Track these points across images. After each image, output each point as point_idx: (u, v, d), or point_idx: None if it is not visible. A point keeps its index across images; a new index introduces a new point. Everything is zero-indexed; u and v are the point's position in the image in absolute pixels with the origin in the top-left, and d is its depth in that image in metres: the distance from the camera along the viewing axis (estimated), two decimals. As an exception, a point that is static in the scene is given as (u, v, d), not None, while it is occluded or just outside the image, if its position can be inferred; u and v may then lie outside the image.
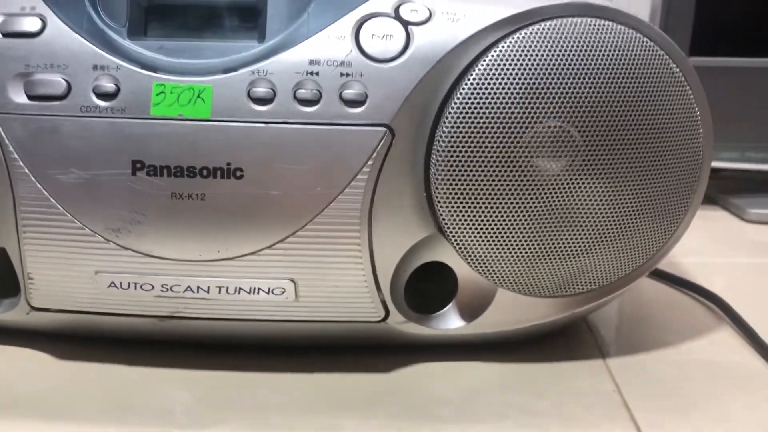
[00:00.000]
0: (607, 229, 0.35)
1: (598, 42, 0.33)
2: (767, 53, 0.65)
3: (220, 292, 0.33)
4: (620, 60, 0.33)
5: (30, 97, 0.32)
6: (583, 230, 0.34)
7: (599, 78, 0.32)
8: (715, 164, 0.69)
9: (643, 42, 0.33)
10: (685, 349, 0.40)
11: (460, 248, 0.34)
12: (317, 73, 0.31)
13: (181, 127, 0.31)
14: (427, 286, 0.36)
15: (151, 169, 0.31)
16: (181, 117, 0.31)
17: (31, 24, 0.32)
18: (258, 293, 0.33)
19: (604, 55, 0.33)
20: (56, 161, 0.32)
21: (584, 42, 0.32)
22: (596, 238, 0.35)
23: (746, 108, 0.66)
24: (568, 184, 0.33)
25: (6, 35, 0.32)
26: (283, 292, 0.33)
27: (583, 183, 0.33)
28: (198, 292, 0.33)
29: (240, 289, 0.33)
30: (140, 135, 0.31)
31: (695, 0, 0.65)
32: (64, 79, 0.31)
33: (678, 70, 0.34)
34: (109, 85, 0.31)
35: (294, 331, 0.35)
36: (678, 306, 0.46)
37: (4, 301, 0.37)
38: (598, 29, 0.33)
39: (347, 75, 0.31)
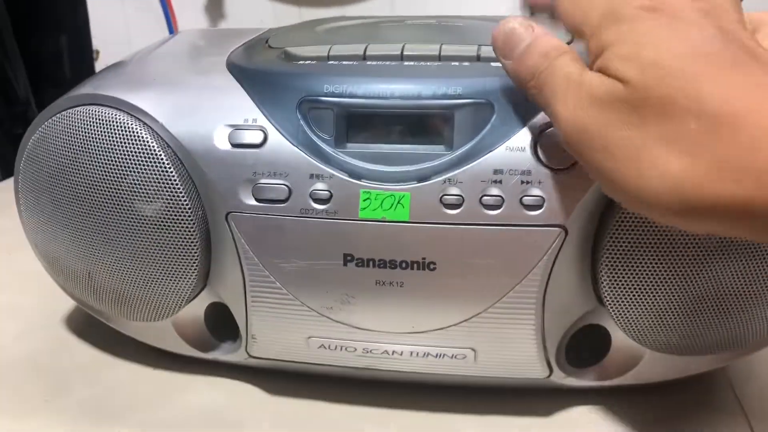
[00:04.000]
0: (753, 293, 0.38)
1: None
2: None
3: (411, 355, 0.40)
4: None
5: (258, 200, 0.38)
6: (731, 296, 0.38)
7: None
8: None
9: None
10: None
11: (618, 320, 0.39)
12: (500, 182, 0.36)
13: (384, 227, 0.37)
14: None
15: (359, 261, 0.37)
16: (384, 219, 0.37)
17: (255, 137, 0.38)
18: (443, 358, 0.40)
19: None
20: (280, 252, 0.38)
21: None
22: (743, 303, 0.38)
23: None
24: (720, 253, 0.37)
25: (235, 146, 0.38)
26: (465, 357, 0.39)
27: (736, 250, 0.37)
28: (392, 354, 0.40)
29: (428, 354, 0.40)
30: (350, 233, 0.37)
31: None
32: (286, 186, 0.37)
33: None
34: (324, 192, 0.37)
35: (471, 382, 0.42)
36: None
37: (223, 345, 0.45)
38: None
39: (527, 183, 0.36)
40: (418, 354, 0.40)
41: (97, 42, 1.03)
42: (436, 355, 0.40)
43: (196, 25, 1.01)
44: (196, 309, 0.43)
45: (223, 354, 0.44)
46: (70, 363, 0.48)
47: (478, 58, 0.39)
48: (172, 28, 0.95)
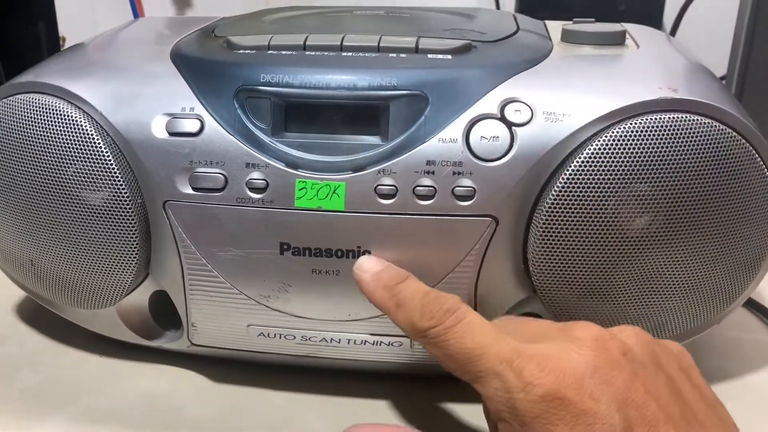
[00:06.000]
0: (685, 285, 0.39)
1: (685, 136, 0.36)
2: None
3: (349, 342, 0.40)
4: (705, 150, 0.36)
5: (194, 188, 0.38)
6: (662, 286, 0.39)
7: (685, 167, 0.36)
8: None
9: (726, 132, 0.37)
10: (750, 381, 0.45)
11: (551, 308, 0.39)
12: (433, 172, 0.36)
13: (320, 216, 0.37)
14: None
15: (295, 250, 0.38)
16: (320, 209, 0.37)
17: (192, 125, 0.38)
18: (380, 345, 0.40)
19: (688, 147, 0.36)
20: (217, 241, 0.38)
21: (672, 137, 0.36)
22: (674, 294, 0.39)
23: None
24: (648, 242, 0.38)
25: (172, 134, 0.38)
26: (401, 345, 0.40)
27: (663, 243, 0.38)
28: (331, 342, 0.40)
29: (365, 341, 0.40)
30: (286, 222, 0.37)
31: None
32: (222, 175, 0.38)
33: (757, 155, 0.37)
34: (260, 181, 0.37)
35: (410, 369, 0.42)
36: (749, 330, 0.50)
37: (167, 333, 0.45)
38: (685, 124, 0.36)
39: (459, 173, 0.36)
40: (355, 342, 0.40)
41: (64, 29, 1.02)
42: (373, 342, 0.40)
43: (163, 13, 1.00)
44: (140, 297, 0.43)
45: (167, 342, 0.45)
46: (18, 351, 0.48)
47: (416, 50, 0.40)
48: (137, 14, 0.94)
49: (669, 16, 0.87)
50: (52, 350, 0.48)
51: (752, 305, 0.52)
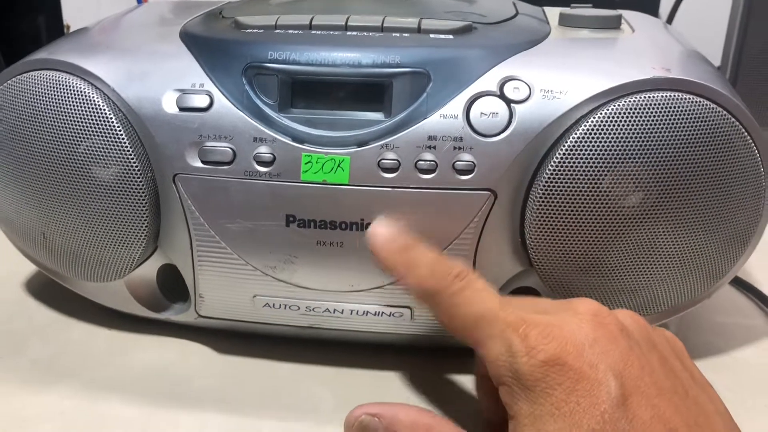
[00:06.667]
0: (676, 259, 0.40)
1: (676, 114, 0.38)
2: None
3: (351, 313, 0.42)
4: (696, 128, 0.38)
5: (203, 162, 0.39)
6: (655, 260, 0.40)
7: (676, 144, 0.38)
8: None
9: (717, 111, 0.38)
10: (739, 357, 0.46)
11: (547, 281, 0.41)
12: (434, 147, 0.38)
13: (325, 190, 0.38)
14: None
15: (301, 222, 0.39)
16: (325, 182, 0.38)
17: (201, 101, 0.39)
18: (381, 315, 0.41)
19: (680, 125, 0.38)
20: (225, 213, 0.40)
21: (664, 115, 0.37)
22: (666, 267, 0.41)
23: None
24: (641, 216, 0.39)
25: (182, 109, 0.40)
26: (401, 316, 0.41)
27: (655, 217, 0.39)
28: (334, 312, 0.42)
29: (367, 312, 0.41)
30: (292, 195, 0.39)
31: None
32: (231, 149, 0.39)
33: (746, 133, 0.39)
34: (267, 155, 0.39)
35: (409, 340, 0.44)
36: (738, 311, 0.52)
37: (174, 306, 0.47)
38: (677, 102, 0.38)
39: (459, 148, 0.38)
40: (358, 312, 0.42)
41: (68, 17, 1.03)
42: (375, 313, 0.41)
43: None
44: (149, 270, 0.45)
45: (174, 314, 0.46)
46: (27, 324, 0.49)
47: (419, 30, 0.41)
48: (141, 2, 0.95)
49: (664, 8, 0.88)
50: (61, 323, 0.49)
51: (741, 284, 0.53)
